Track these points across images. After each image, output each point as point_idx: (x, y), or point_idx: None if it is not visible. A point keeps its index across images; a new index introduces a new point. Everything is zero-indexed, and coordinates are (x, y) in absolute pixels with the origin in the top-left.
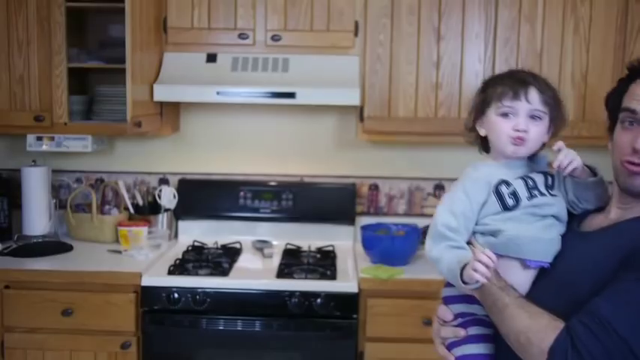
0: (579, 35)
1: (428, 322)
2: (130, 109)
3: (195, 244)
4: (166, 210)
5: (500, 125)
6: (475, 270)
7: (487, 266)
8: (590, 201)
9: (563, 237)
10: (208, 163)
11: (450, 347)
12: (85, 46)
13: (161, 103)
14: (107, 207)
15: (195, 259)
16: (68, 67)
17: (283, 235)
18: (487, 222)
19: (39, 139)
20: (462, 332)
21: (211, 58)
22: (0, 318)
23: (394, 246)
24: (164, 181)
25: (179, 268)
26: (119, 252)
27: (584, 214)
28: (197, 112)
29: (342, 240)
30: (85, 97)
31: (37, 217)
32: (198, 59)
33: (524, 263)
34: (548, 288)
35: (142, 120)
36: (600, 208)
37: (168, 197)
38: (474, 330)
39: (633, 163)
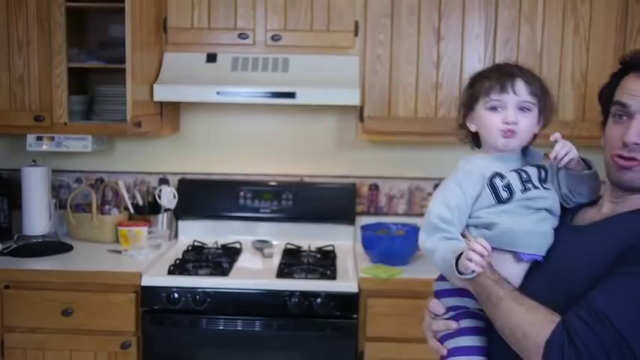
0: (579, 35)
1: None
2: (130, 109)
3: (195, 244)
4: (166, 210)
5: (489, 119)
6: (470, 260)
7: (482, 255)
8: (584, 194)
9: (556, 231)
10: (208, 163)
11: (442, 340)
12: (85, 46)
13: (161, 103)
14: (107, 207)
15: (195, 259)
16: (68, 67)
17: (283, 235)
18: (481, 215)
19: (39, 139)
20: (453, 325)
21: (211, 58)
22: (0, 318)
23: (394, 246)
24: (164, 181)
25: (179, 268)
26: (119, 252)
27: (577, 208)
28: (197, 112)
29: (342, 240)
30: (85, 97)
31: (37, 217)
32: (198, 59)
33: (518, 256)
34: (540, 281)
35: (142, 120)
36: (593, 202)
37: (168, 197)
38: (466, 322)
39: (623, 157)
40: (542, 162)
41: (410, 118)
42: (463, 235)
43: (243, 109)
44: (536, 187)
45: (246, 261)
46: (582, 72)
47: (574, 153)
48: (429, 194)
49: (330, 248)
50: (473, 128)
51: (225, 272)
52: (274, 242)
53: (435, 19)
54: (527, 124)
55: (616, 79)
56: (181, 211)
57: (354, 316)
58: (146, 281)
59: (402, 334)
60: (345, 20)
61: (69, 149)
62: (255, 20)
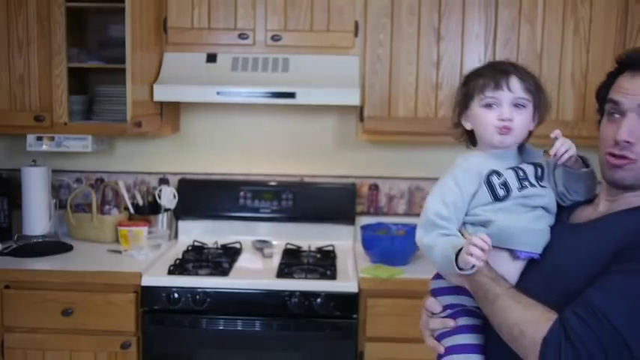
0: (579, 35)
1: None
2: (130, 109)
3: (195, 244)
4: (166, 210)
5: (485, 116)
6: (471, 254)
7: (482, 250)
8: (580, 192)
9: (553, 229)
10: (208, 163)
11: (439, 338)
12: (85, 46)
13: (161, 103)
14: (107, 207)
15: (195, 259)
16: (68, 67)
17: (283, 235)
18: (477, 212)
19: (39, 139)
20: (451, 322)
21: (211, 58)
22: (0, 318)
23: (394, 246)
24: (164, 181)
25: (179, 268)
26: (119, 252)
27: (573, 206)
28: (197, 112)
29: (342, 240)
30: (85, 97)
31: (37, 217)
32: (198, 59)
33: (514, 254)
34: (536, 279)
35: (142, 120)
36: (590, 201)
37: (168, 197)
38: (463, 320)
39: (614, 155)
40: (542, 159)
41: (410, 118)
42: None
43: (243, 109)
44: (532, 185)
45: (246, 261)
46: (582, 72)
47: (573, 150)
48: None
49: (330, 248)
50: (468, 126)
51: (225, 272)
52: (274, 242)
53: (435, 19)
54: (522, 120)
55: (612, 78)
56: (181, 211)
57: (354, 316)
58: (146, 281)
59: (402, 334)
60: (345, 20)
61: (69, 149)
62: (255, 20)
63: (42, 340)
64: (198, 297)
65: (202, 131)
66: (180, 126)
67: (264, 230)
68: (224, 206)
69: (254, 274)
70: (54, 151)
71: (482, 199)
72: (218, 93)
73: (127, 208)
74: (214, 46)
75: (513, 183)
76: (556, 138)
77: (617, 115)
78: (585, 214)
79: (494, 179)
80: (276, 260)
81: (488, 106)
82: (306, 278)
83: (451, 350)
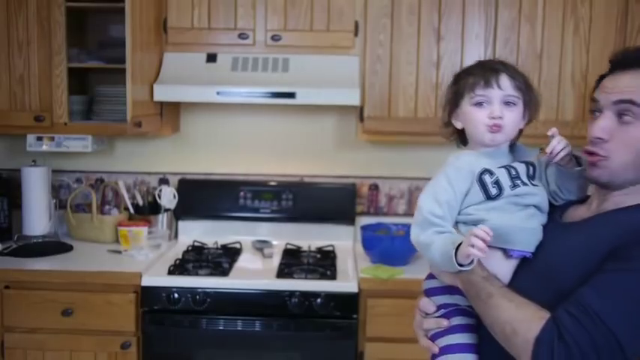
0: (579, 35)
1: None
2: (130, 109)
3: (195, 244)
4: (166, 210)
5: (475, 115)
6: (472, 245)
7: (484, 240)
8: (573, 191)
9: (545, 228)
10: (208, 163)
11: (433, 338)
12: (85, 46)
13: (161, 103)
14: (107, 207)
15: (195, 259)
16: (68, 67)
17: (283, 235)
18: (470, 212)
19: (39, 139)
20: (444, 322)
21: (211, 58)
22: (0, 318)
23: (394, 246)
24: (164, 181)
25: (179, 268)
26: (119, 252)
27: (566, 206)
28: (197, 112)
29: (342, 240)
30: (85, 97)
31: (37, 217)
32: (198, 59)
33: (507, 253)
34: (529, 278)
35: (142, 120)
36: (582, 200)
37: (168, 197)
38: (457, 320)
39: (590, 153)
40: (538, 156)
41: (410, 118)
42: None
43: (243, 109)
44: (524, 184)
45: (246, 261)
46: (582, 72)
47: (569, 149)
48: None
49: (330, 248)
50: (459, 125)
51: (225, 272)
52: (274, 242)
53: (435, 19)
54: (512, 118)
55: (602, 78)
56: (181, 211)
57: (354, 316)
58: (146, 281)
59: (401, 335)
60: (345, 20)
61: (69, 149)
62: (255, 20)
63: (42, 340)
64: (198, 297)
65: (202, 131)
66: (180, 126)
67: (264, 230)
68: (224, 206)
69: (254, 274)
70: (54, 151)
71: (474, 197)
72: (218, 93)
73: (127, 208)
74: (214, 46)
75: (505, 181)
76: (553, 136)
77: (597, 113)
78: (578, 213)
79: (487, 178)
80: (276, 260)
81: (479, 104)
82: (306, 278)
83: (445, 350)
